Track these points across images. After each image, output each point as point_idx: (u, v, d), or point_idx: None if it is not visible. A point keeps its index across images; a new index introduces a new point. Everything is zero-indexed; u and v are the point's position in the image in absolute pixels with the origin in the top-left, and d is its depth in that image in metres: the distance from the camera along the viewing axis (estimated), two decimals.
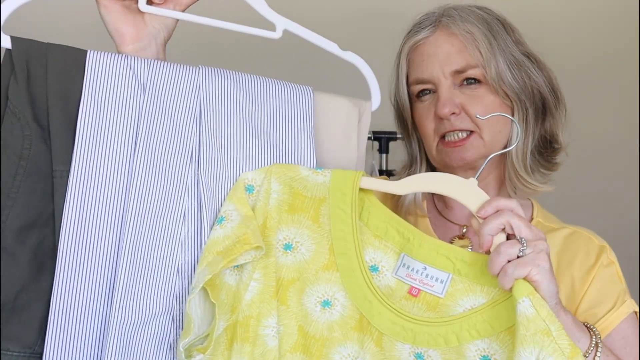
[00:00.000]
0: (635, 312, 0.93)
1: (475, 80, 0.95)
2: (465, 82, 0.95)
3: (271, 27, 0.86)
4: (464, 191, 0.78)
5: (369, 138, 1.76)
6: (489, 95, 0.94)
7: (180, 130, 0.78)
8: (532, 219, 1.00)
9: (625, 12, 1.51)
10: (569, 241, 0.96)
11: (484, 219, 0.74)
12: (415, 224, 0.98)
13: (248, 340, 0.74)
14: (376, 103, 0.90)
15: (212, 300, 0.74)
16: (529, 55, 0.97)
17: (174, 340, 0.77)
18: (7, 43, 0.73)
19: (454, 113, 0.93)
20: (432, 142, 0.97)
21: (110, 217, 0.75)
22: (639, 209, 1.57)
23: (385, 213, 0.81)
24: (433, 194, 1.06)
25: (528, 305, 0.69)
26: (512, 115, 0.95)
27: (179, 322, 0.78)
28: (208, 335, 0.76)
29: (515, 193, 0.97)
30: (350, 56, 0.90)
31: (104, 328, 0.74)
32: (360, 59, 0.90)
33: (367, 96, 0.90)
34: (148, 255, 0.76)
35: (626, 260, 1.60)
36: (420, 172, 1.02)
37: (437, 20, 0.96)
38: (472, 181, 0.78)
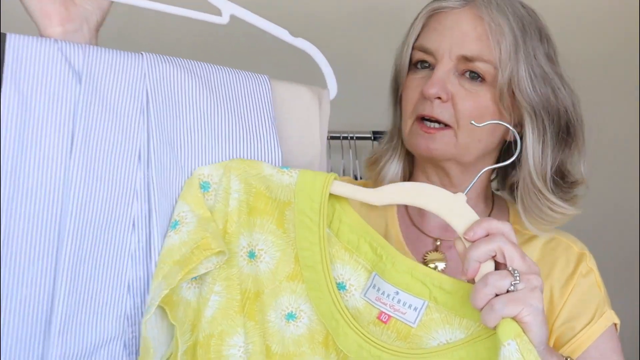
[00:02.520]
0: (615, 324, 0.88)
1: (479, 77, 0.85)
2: (467, 74, 0.85)
3: (217, 12, 0.77)
4: (450, 208, 0.68)
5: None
6: (487, 100, 0.85)
7: (125, 124, 0.67)
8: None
9: (625, 12, 1.49)
10: (547, 250, 0.91)
11: (472, 242, 0.65)
12: (385, 233, 0.92)
13: None
14: (333, 90, 0.83)
15: (171, 320, 0.64)
16: (560, 76, 0.88)
17: None
18: None
19: (439, 98, 0.84)
20: (407, 119, 0.89)
21: (44, 231, 0.63)
22: (639, 209, 1.55)
23: (358, 224, 0.71)
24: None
25: (514, 349, 0.60)
26: (524, 136, 0.86)
27: (133, 348, 0.67)
28: (168, 359, 0.66)
29: (543, 220, 0.88)
30: (302, 43, 0.82)
31: None
32: (313, 46, 0.82)
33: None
34: (92, 273, 0.65)
35: (626, 261, 1.58)
36: (398, 147, 0.94)
37: None
38: (460, 196, 0.68)
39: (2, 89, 0.62)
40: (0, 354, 0.61)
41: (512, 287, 0.61)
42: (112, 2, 0.73)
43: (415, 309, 0.68)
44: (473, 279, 0.65)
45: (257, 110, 0.74)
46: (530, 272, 0.63)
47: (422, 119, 0.87)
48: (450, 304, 0.67)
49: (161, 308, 0.65)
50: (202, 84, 0.72)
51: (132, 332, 0.67)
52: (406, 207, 0.97)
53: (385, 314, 0.69)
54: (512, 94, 0.84)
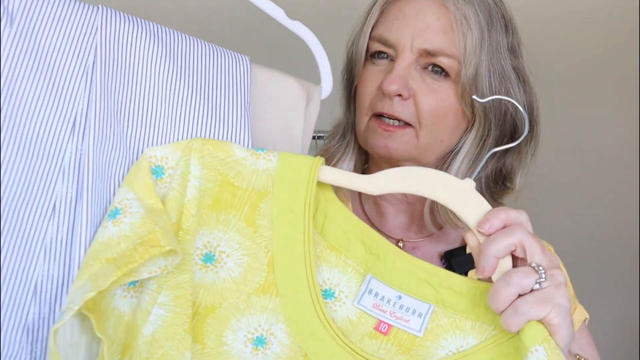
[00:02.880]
0: (586, 319, 0.85)
1: (442, 71, 0.77)
2: (430, 68, 0.77)
3: None
4: (458, 195, 0.58)
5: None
6: (450, 96, 0.78)
7: (60, 83, 0.54)
8: None
9: (625, 12, 1.48)
10: None
11: (487, 235, 0.57)
12: None
13: None
14: (327, 88, 0.70)
15: (97, 332, 0.49)
16: (517, 71, 0.81)
17: None
18: None
19: (400, 95, 0.76)
20: (363, 115, 0.80)
21: None
22: (639, 209, 1.51)
23: (348, 218, 0.60)
24: (361, 195, 0.87)
25: (542, 356, 0.52)
26: (469, 132, 0.79)
27: None
28: None
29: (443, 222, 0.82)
30: (297, 27, 0.70)
31: None
32: (311, 32, 0.70)
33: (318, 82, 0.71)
34: None
35: (626, 261, 1.54)
36: (351, 144, 0.84)
37: None
38: (468, 182, 0.59)
39: None
40: None
41: (537, 286, 0.54)
42: None
43: (419, 315, 0.58)
44: (489, 277, 0.57)
45: (229, 90, 0.61)
46: (553, 267, 0.56)
47: (380, 115, 0.77)
48: (461, 306, 0.58)
49: (80, 319, 0.50)
50: (166, 52, 0.59)
51: (31, 352, 0.51)
52: (362, 206, 0.88)
53: (385, 323, 0.58)
54: (471, 91, 0.77)
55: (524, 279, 0.54)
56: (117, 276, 0.49)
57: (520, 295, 0.54)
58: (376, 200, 0.87)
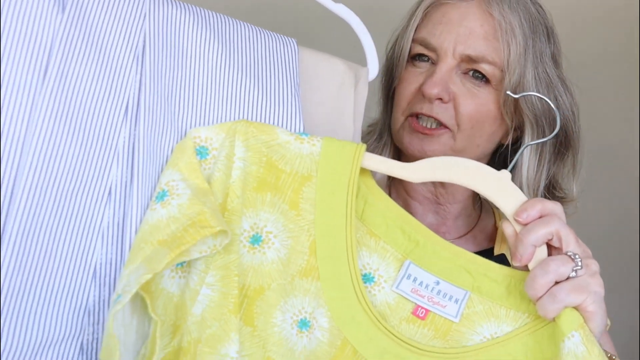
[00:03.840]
0: (607, 325, 0.81)
1: (483, 78, 0.78)
2: (471, 73, 0.78)
3: None
4: (498, 187, 0.60)
5: None
6: (489, 102, 0.78)
7: (113, 69, 0.54)
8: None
9: (625, 12, 1.45)
10: None
11: (524, 224, 0.58)
12: None
13: None
14: (374, 69, 0.70)
15: (151, 314, 0.49)
16: (563, 80, 0.82)
17: None
18: None
19: (440, 99, 0.77)
20: (400, 115, 0.81)
21: None
22: (639, 209, 1.50)
23: (388, 205, 0.60)
24: (391, 193, 0.88)
25: (578, 341, 0.54)
26: (522, 144, 0.80)
27: (92, 353, 0.52)
28: None
29: None
30: (342, 11, 0.69)
31: None
32: (354, 15, 0.70)
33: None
34: (48, 251, 0.50)
35: (626, 260, 1.53)
36: (388, 144, 0.85)
37: None
38: (505, 174, 0.61)
39: None
40: None
41: (573, 274, 0.56)
42: None
43: (456, 301, 0.59)
44: (525, 266, 0.58)
45: (278, 73, 0.60)
46: (587, 256, 0.59)
47: (417, 116, 0.78)
48: (496, 294, 0.59)
49: (131, 300, 0.50)
50: (215, 35, 0.59)
51: (93, 332, 0.52)
52: (390, 194, 0.88)
53: (422, 308, 0.59)
54: (515, 100, 0.78)
55: (561, 267, 0.56)
56: (170, 258, 0.50)
57: (557, 283, 0.56)
58: (406, 199, 0.87)
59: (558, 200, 0.83)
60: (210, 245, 0.52)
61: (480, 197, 0.91)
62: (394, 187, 0.89)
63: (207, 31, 0.58)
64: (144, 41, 0.55)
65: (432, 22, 0.79)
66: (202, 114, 0.56)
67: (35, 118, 0.51)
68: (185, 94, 0.56)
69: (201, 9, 0.60)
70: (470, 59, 0.77)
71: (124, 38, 0.55)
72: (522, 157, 0.80)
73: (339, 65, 0.66)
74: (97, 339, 0.52)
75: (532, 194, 0.81)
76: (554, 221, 0.58)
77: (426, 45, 0.79)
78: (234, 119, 0.57)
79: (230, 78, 0.58)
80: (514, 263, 0.59)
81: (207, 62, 0.57)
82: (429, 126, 0.78)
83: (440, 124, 0.78)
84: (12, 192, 0.49)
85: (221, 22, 0.60)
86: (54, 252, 0.50)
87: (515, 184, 0.79)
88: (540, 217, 0.59)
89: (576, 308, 0.55)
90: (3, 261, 0.48)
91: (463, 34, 0.76)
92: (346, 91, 0.66)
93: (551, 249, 0.59)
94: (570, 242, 0.58)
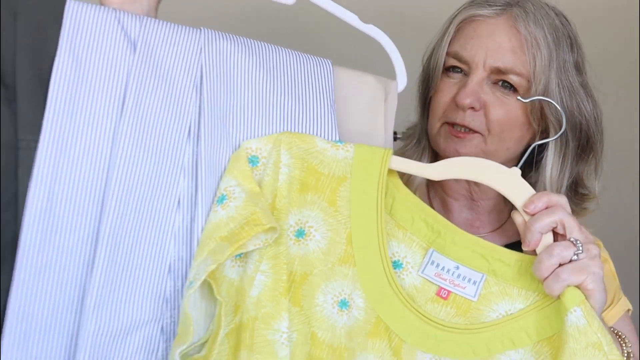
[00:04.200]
0: (629, 310, 0.91)
1: (511, 87, 0.85)
2: (500, 83, 0.85)
3: None
4: (509, 182, 0.69)
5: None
6: (517, 109, 0.85)
7: (176, 98, 0.64)
8: None
9: (625, 12, 1.47)
10: None
11: (532, 214, 0.67)
12: None
13: (256, 348, 0.60)
14: (402, 82, 0.78)
15: (217, 296, 0.60)
16: (584, 86, 0.88)
17: (162, 355, 0.62)
18: None
19: (472, 108, 0.84)
20: (436, 122, 0.89)
21: (87, 201, 0.61)
22: (639, 209, 1.53)
23: (412, 201, 0.69)
24: (429, 192, 0.97)
25: (580, 315, 0.62)
26: (547, 147, 0.87)
27: (170, 333, 0.63)
28: (205, 342, 0.61)
29: None
30: (372, 30, 0.78)
31: (75, 340, 0.59)
32: (384, 34, 0.78)
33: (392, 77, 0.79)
34: (133, 249, 0.61)
35: (626, 260, 1.52)
36: (427, 149, 0.93)
37: (508, 4, 0.86)
38: (515, 170, 0.69)
39: (58, 52, 0.61)
40: (34, 324, 0.58)
41: (575, 257, 0.64)
42: None
43: (474, 282, 0.67)
44: (534, 250, 0.66)
45: (316, 92, 0.70)
46: (588, 242, 0.65)
47: (452, 124, 0.86)
48: (509, 276, 0.67)
49: (200, 287, 0.61)
50: (260, 63, 0.68)
51: (170, 317, 0.63)
52: (430, 202, 0.97)
53: (445, 289, 0.67)
54: (541, 106, 0.85)
55: (564, 251, 0.63)
56: (230, 251, 0.60)
57: (560, 265, 0.63)
58: (444, 197, 0.95)
59: (581, 197, 0.91)
60: (262, 240, 0.62)
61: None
62: (432, 187, 0.97)
63: (253, 60, 0.68)
64: (201, 72, 0.66)
65: (464, 37, 0.87)
66: (252, 131, 0.66)
67: (118, 141, 0.62)
68: (238, 115, 0.66)
69: (248, 39, 0.70)
70: (499, 71, 0.84)
71: (184, 70, 0.65)
72: (546, 159, 0.87)
73: (370, 81, 0.75)
74: (174, 322, 0.63)
75: (556, 192, 0.86)
76: (558, 211, 0.65)
77: (459, 58, 0.86)
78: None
79: (274, 100, 0.67)
80: (524, 248, 0.67)
81: (255, 87, 0.67)
82: (462, 131, 0.86)
83: (469, 129, 0.86)
84: (103, 204, 0.61)
85: (265, 50, 0.70)
86: (138, 251, 0.62)
87: (540, 184, 0.88)
88: (547, 208, 0.66)
89: (578, 287, 0.63)
90: (99, 259, 0.59)
91: (492, 48, 0.84)
92: (377, 104, 0.74)
93: (557, 236, 0.66)
94: (573, 229, 0.65)
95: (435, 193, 0.96)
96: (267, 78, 0.68)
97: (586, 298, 0.63)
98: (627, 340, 0.75)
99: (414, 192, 0.94)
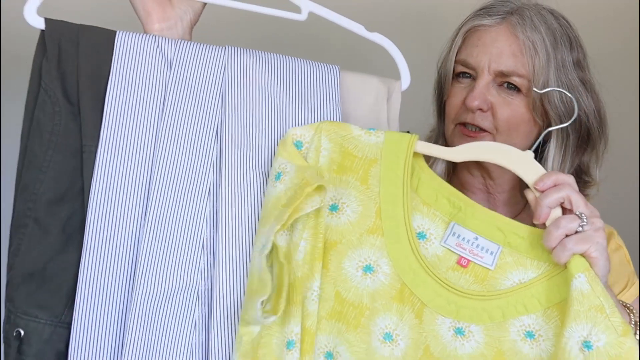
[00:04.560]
0: None
1: (515, 87, 0.93)
2: (504, 85, 0.94)
3: (296, 10, 0.86)
4: (522, 162, 0.77)
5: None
6: (522, 107, 0.93)
7: (205, 105, 0.78)
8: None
9: (625, 12, 1.47)
10: None
11: (542, 191, 0.74)
12: None
13: (298, 303, 0.72)
14: (406, 82, 0.88)
15: (281, 259, 0.70)
16: (584, 82, 0.95)
17: (198, 317, 0.76)
18: (40, 24, 0.77)
19: (481, 109, 0.93)
20: (450, 123, 0.98)
21: (136, 191, 0.76)
22: (639, 209, 1.54)
23: (436, 180, 0.78)
24: (449, 179, 1.05)
25: (584, 281, 0.68)
26: (550, 139, 0.95)
27: (204, 300, 0.77)
28: (268, 298, 0.70)
29: None
30: (377, 37, 0.89)
31: (128, 300, 0.75)
32: (388, 40, 0.89)
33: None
34: (172, 230, 0.76)
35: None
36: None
37: (508, 13, 0.95)
38: (528, 153, 0.77)
39: (111, 73, 0.76)
40: (98, 287, 0.74)
41: (580, 228, 0.70)
42: (205, 3, 0.85)
43: (491, 253, 0.74)
44: (544, 224, 0.73)
45: (324, 96, 0.82)
46: (594, 216, 0.72)
47: (464, 124, 0.95)
48: (523, 247, 0.74)
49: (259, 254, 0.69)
50: (275, 73, 0.81)
51: (204, 286, 0.77)
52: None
53: (465, 258, 0.75)
54: (542, 103, 0.92)
55: (570, 223, 0.70)
56: (290, 212, 0.68)
57: (567, 236, 0.70)
58: (461, 191, 1.02)
59: (584, 184, 0.98)
60: (317, 201, 0.71)
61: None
62: (451, 182, 1.05)
63: (269, 71, 0.81)
64: (225, 84, 0.79)
65: (469, 45, 0.96)
66: (267, 133, 0.79)
67: (159, 142, 0.76)
68: (257, 119, 0.79)
69: (260, 51, 0.82)
70: (502, 74, 0.93)
71: (211, 83, 0.79)
72: (548, 151, 0.94)
73: (374, 82, 0.86)
74: (208, 289, 0.77)
75: None
76: (565, 188, 0.72)
77: (466, 65, 0.96)
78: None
79: (287, 104, 0.80)
80: (535, 222, 0.74)
81: (270, 95, 0.80)
82: (474, 130, 0.94)
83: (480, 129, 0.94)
84: (148, 193, 0.76)
85: (279, 61, 0.82)
86: (176, 231, 0.76)
87: None
88: (555, 185, 0.73)
89: (583, 255, 0.69)
90: (146, 234, 0.74)
91: (495, 53, 0.93)
92: (380, 103, 0.85)
93: (565, 211, 0.73)
94: (579, 204, 0.72)
95: (453, 186, 1.05)
96: (280, 87, 0.81)
97: (590, 266, 0.69)
98: (635, 312, 0.80)
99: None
